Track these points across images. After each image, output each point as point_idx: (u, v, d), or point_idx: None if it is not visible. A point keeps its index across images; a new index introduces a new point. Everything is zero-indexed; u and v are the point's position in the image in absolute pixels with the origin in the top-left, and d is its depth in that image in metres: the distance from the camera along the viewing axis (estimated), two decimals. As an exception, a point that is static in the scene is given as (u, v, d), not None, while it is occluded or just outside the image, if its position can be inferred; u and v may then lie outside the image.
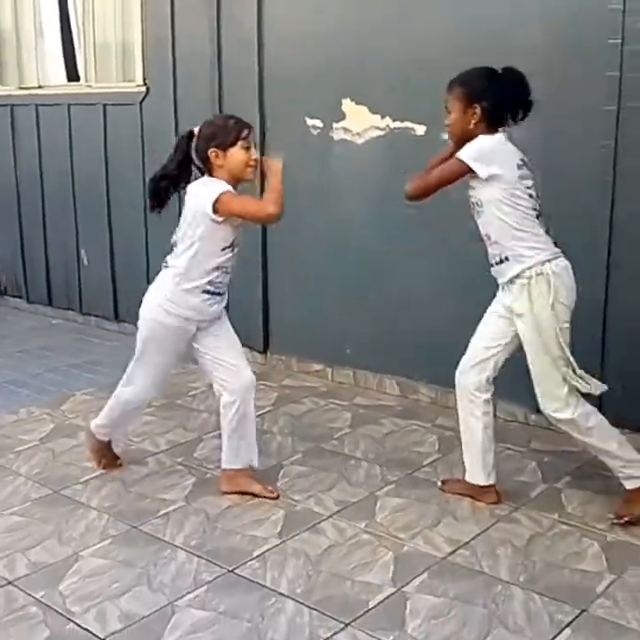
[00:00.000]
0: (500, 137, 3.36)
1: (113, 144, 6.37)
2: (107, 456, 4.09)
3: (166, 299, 3.64)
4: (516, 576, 3.14)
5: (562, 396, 3.41)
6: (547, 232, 3.39)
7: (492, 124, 3.36)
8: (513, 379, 4.50)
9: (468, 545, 3.37)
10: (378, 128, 4.89)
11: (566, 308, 3.37)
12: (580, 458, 4.13)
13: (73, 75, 6.81)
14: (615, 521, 3.49)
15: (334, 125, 5.09)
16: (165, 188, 3.64)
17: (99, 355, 6.01)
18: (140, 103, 6.11)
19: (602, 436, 3.46)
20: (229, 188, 3.52)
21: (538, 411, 4.49)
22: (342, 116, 5.04)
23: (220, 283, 3.68)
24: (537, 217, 3.37)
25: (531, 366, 3.46)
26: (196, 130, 3.61)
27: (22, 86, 7.01)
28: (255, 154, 3.61)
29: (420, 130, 4.69)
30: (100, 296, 6.67)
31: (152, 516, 3.60)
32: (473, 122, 3.35)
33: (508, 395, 4.54)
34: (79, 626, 2.85)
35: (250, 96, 5.38)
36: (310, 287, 5.39)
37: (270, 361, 5.69)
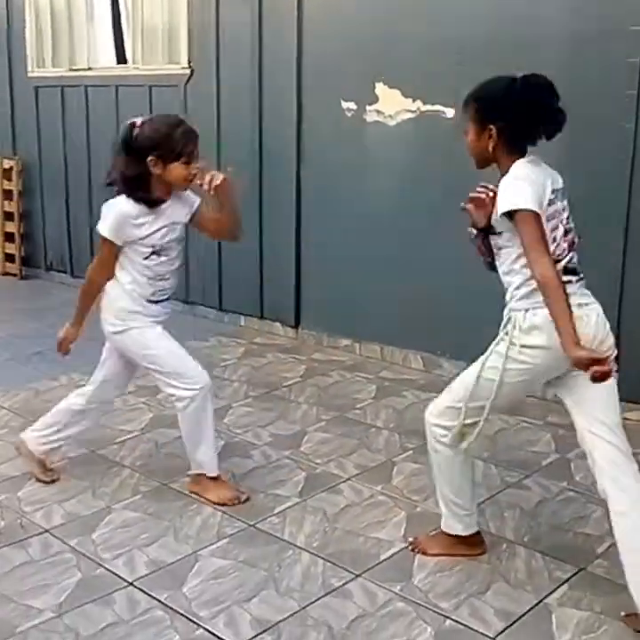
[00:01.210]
0: (519, 166, 2.77)
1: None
2: (224, 487, 3.66)
3: (121, 309, 3.51)
4: (520, 536, 3.32)
5: (444, 423, 3.05)
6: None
7: (514, 144, 2.79)
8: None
9: (478, 508, 3.49)
10: (409, 111, 5.06)
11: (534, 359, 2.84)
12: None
13: (121, 57, 7.03)
14: (410, 547, 3.24)
15: (368, 108, 5.26)
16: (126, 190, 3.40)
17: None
18: (185, 85, 6.31)
19: (443, 468, 3.10)
20: (113, 231, 3.37)
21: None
22: (375, 99, 5.21)
23: (164, 289, 3.53)
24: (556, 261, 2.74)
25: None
26: (138, 122, 3.34)
27: (73, 68, 7.26)
28: (195, 169, 3.34)
29: (450, 113, 4.85)
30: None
31: (181, 475, 3.81)
32: (491, 145, 2.79)
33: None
34: (109, 571, 3.08)
35: (288, 80, 5.56)
36: (341, 266, 5.57)
37: (301, 336, 5.89)
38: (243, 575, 3.05)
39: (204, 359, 5.22)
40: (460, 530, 3.15)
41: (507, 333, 2.88)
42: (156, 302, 3.53)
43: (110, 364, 3.73)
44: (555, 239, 2.76)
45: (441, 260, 5.02)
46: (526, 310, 2.81)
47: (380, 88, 5.19)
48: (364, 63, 5.23)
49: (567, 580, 3.02)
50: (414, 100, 5.03)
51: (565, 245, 2.80)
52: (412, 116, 5.06)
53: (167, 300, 3.59)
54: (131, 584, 2.99)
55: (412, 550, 3.23)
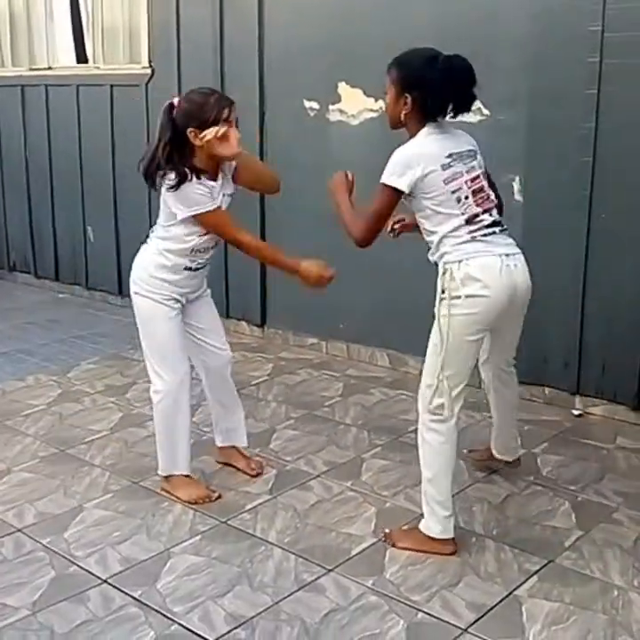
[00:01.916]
0: (421, 136, 3.03)
1: (119, 124, 6.57)
2: (194, 486, 3.68)
3: (149, 275, 3.51)
4: (489, 530, 3.37)
5: (422, 386, 3.16)
6: (480, 234, 3.06)
7: (424, 115, 3.02)
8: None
9: (446, 502, 3.59)
10: (372, 110, 5.09)
11: (472, 307, 3.02)
12: (559, 427, 4.37)
13: (82, 56, 7.00)
14: (383, 538, 3.30)
15: (330, 107, 5.29)
16: (154, 171, 3.41)
17: (103, 327, 6.25)
18: (146, 84, 6.30)
19: (428, 459, 3.17)
20: (217, 205, 3.41)
21: (519, 382, 4.76)
22: (338, 99, 5.24)
23: (202, 260, 3.58)
24: (468, 222, 3.03)
25: None
26: (176, 101, 3.40)
27: (33, 67, 7.21)
28: (236, 132, 3.39)
29: (412, 113, 4.88)
30: (105, 272, 6.89)
31: (151, 474, 3.81)
32: (403, 112, 3.02)
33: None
34: (82, 568, 3.09)
35: (250, 78, 5.57)
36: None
37: (267, 334, 5.91)
38: (216, 571, 3.08)
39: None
40: (437, 532, 3.18)
41: (444, 291, 3.04)
42: (192, 270, 3.56)
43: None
44: (459, 200, 3.01)
45: (406, 258, 5.05)
46: (459, 261, 3.02)
47: (343, 87, 5.22)
48: (327, 62, 5.26)
49: (536, 572, 3.07)
50: (377, 100, 5.06)
51: (473, 203, 3.04)
52: (375, 116, 5.09)
53: (202, 269, 3.61)
54: (104, 581, 3.00)
55: (384, 541, 3.27)
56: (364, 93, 5.10)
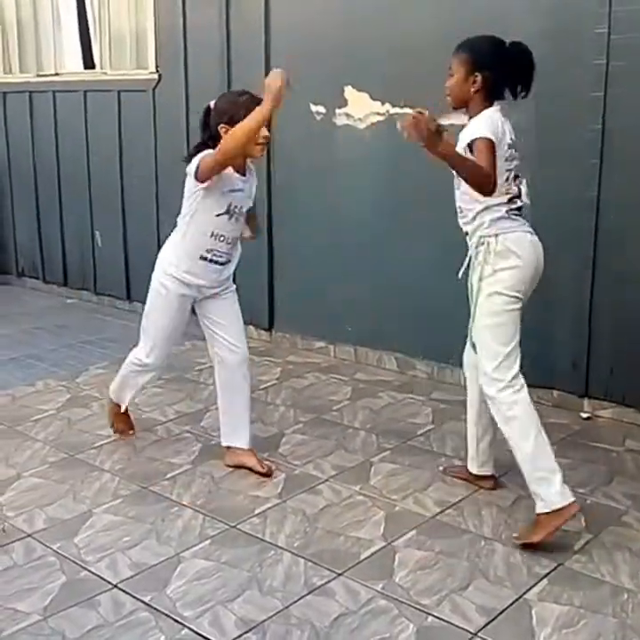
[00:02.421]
0: (492, 111, 3.26)
1: (126, 129, 6.59)
2: (121, 421, 4.29)
3: (168, 262, 3.79)
4: (498, 534, 3.37)
5: (488, 371, 3.30)
6: (512, 212, 3.30)
7: (490, 95, 3.27)
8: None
9: (455, 506, 3.59)
10: (378, 114, 5.11)
11: (507, 282, 3.27)
12: (567, 429, 4.37)
13: (89, 62, 7.04)
14: (516, 540, 3.30)
15: (337, 111, 5.30)
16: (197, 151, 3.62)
17: (111, 332, 6.26)
18: (153, 90, 6.33)
19: (521, 432, 3.28)
20: (208, 151, 3.54)
21: (528, 385, 4.76)
22: (344, 103, 5.25)
23: (219, 251, 3.75)
24: (507, 201, 3.27)
25: None
26: (212, 104, 3.66)
27: (40, 74, 7.25)
28: (265, 131, 3.56)
29: (419, 116, 4.89)
30: (113, 277, 6.91)
31: (161, 478, 3.84)
32: (472, 90, 3.25)
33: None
34: (92, 573, 3.09)
35: (257, 83, 5.53)
36: (313, 268, 5.61)
37: (275, 338, 5.92)
38: (226, 576, 3.08)
39: (181, 362, 5.33)
40: (559, 500, 3.19)
41: (484, 267, 3.28)
42: (209, 260, 3.75)
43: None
44: (507, 179, 3.25)
45: (414, 262, 5.08)
46: (496, 235, 3.26)
47: (349, 91, 5.23)
48: (333, 67, 5.27)
49: (546, 576, 3.07)
50: (383, 103, 5.08)
51: (514, 186, 3.30)
52: (381, 119, 5.11)
53: (222, 265, 3.80)
54: (115, 586, 3.01)
55: (522, 546, 3.24)
56: (371, 97, 5.11)
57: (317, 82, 5.35)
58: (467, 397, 3.70)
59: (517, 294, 3.30)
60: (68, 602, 2.91)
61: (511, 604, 2.90)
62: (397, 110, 4.98)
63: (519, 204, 3.33)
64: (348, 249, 5.42)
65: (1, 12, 7.44)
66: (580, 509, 3.29)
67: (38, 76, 7.26)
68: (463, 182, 3.21)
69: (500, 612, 2.86)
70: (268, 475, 3.85)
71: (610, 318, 4.43)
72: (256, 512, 3.54)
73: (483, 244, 3.29)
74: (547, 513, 3.21)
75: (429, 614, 2.85)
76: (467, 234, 3.38)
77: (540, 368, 4.64)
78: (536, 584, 3.02)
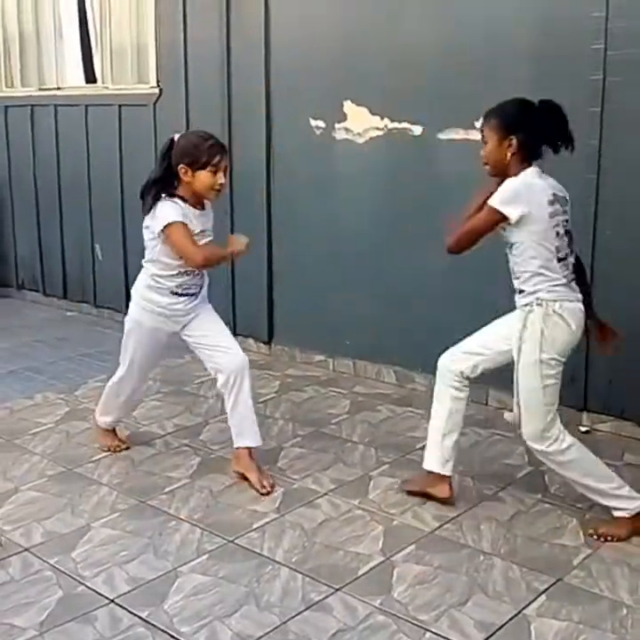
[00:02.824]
0: (528, 173, 3.26)
1: (127, 143, 6.61)
2: (109, 435, 4.33)
3: (141, 297, 3.92)
4: (497, 548, 3.36)
5: (539, 429, 3.35)
6: (569, 278, 3.34)
7: (527, 156, 3.28)
8: (504, 367, 4.73)
9: (454, 520, 3.58)
10: (377, 128, 5.12)
11: (557, 347, 3.32)
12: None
13: (90, 77, 7.05)
14: (593, 535, 3.44)
15: (336, 126, 5.31)
16: (156, 192, 3.74)
17: (110, 345, 6.19)
18: (154, 104, 6.35)
19: (581, 470, 3.41)
20: (181, 219, 3.65)
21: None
22: (344, 117, 5.26)
23: (188, 284, 3.87)
24: (559, 260, 3.28)
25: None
26: (176, 137, 3.74)
27: (42, 87, 7.27)
28: (222, 179, 3.69)
29: (417, 130, 4.92)
30: (112, 289, 6.91)
31: (159, 492, 3.83)
32: (508, 154, 3.26)
33: (499, 383, 4.77)
34: (89, 588, 3.08)
35: (257, 97, 5.60)
36: (313, 281, 5.61)
37: (274, 352, 5.92)
38: (223, 591, 3.07)
39: (179, 376, 5.33)
40: (635, 505, 3.40)
41: (535, 331, 3.31)
42: (181, 295, 3.87)
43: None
44: (558, 234, 3.26)
45: (412, 275, 5.09)
46: (554, 301, 3.28)
47: (349, 106, 5.25)
48: (333, 82, 5.29)
49: (545, 591, 3.06)
50: (382, 118, 5.09)
51: (565, 243, 3.30)
52: (380, 134, 5.12)
53: (193, 295, 3.91)
54: (112, 601, 3.00)
55: (602, 539, 3.43)
56: (370, 112, 5.12)
57: (317, 97, 5.37)
58: (434, 398, 3.69)
59: (564, 359, 3.37)
60: (65, 617, 2.90)
61: (510, 620, 2.89)
62: (396, 125, 4.99)
63: (572, 262, 3.36)
64: (347, 262, 5.43)
65: (3, 26, 7.47)
66: None
67: (40, 89, 7.28)
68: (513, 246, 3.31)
69: (499, 628, 2.85)
70: (265, 494, 3.82)
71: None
72: (254, 526, 3.53)
73: (540, 305, 3.30)
74: (628, 517, 3.41)
75: (428, 630, 2.84)
76: (521, 291, 3.36)
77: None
78: (535, 599, 3.01)
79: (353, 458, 4.23)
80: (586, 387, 4.53)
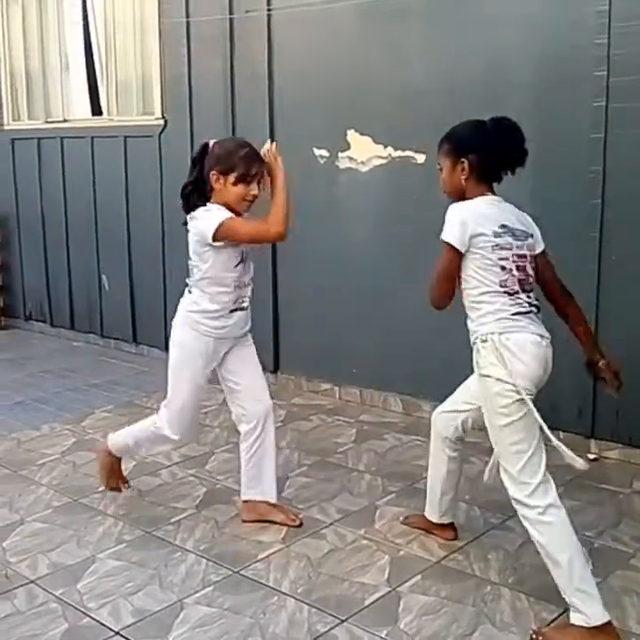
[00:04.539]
0: (477, 200, 3.08)
1: (133, 175, 6.66)
2: (116, 474, 4.08)
3: (195, 321, 3.58)
4: (505, 578, 3.33)
5: (513, 473, 3.00)
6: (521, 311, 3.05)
7: (482, 178, 3.11)
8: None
9: (461, 550, 3.56)
10: (381, 157, 5.15)
11: (514, 376, 2.98)
12: (574, 471, 4.30)
13: (96, 109, 7.11)
14: (534, 634, 2.95)
15: (340, 155, 5.35)
16: (190, 194, 3.53)
17: (118, 375, 6.28)
18: (159, 135, 6.40)
19: (555, 542, 2.94)
20: (230, 214, 3.44)
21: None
22: (347, 146, 5.30)
23: (245, 297, 3.66)
24: (507, 293, 3.03)
25: None
26: (211, 143, 3.55)
27: (48, 120, 7.34)
28: (255, 189, 3.50)
29: (420, 158, 4.96)
30: (119, 320, 6.93)
31: (164, 523, 3.82)
32: (463, 178, 3.10)
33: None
34: (94, 620, 3.07)
35: (261, 128, 5.63)
36: (318, 310, 5.62)
37: (280, 380, 5.92)
38: (228, 622, 3.05)
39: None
40: (600, 616, 2.84)
41: (485, 368, 3.04)
42: (239, 309, 3.64)
43: None
44: (503, 268, 3.01)
45: (417, 303, 5.04)
46: (500, 333, 3.00)
47: (352, 135, 5.29)
48: (336, 111, 5.34)
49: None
50: (385, 147, 5.13)
51: (516, 279, 3.03)
52: (384, 162, 5.15)
53: (246, 308, 3.69)
54: (117, 633, 2.98)
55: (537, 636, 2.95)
56: (373, 141, 5.16)
57: (321, 126, 5.41)
58: (430, 453, 3.63)
59: (525, 392, 3.00)
60: (70, 650, 2.90)
61: (517, 651, 2.88)
62: (400, 153, 5.01)
63: (526, 300, 3.06)
64: (352, 290, 5.44)
65: (10, 60, 7.55)
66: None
67: (46, 122, 7.35)
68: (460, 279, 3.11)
69: (506, 659, 2.84)
70: (299, 526, 3.77)
71: (615, 358, 4.40)
72: (259, 557, 3.52)
73: (485, 341, 3.04)
74: (586, 628, 2.85)
75: (434, 661, 2.82)
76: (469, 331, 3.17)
77: (545, 408, 4.60)
78: (542, 629, 2.99)
79: (359, 487, 4.22)
80: (594, 414, 4.52)
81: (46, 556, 3.53)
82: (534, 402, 3.03)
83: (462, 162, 3.09)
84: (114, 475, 4.07)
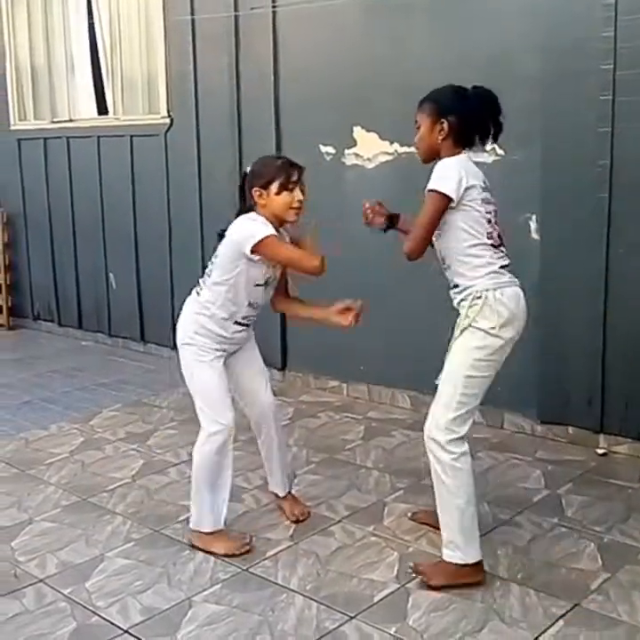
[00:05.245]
0: (461, 157, 3.19)
1: (139, 173, 6.66)
2: (223, 539, 3.60)
3: (201, 325, 3.53)
4: (514, 574, 3.32)
5: (447, 418, 3.18)
6: (505, 264, 3.21)
7: (458, 141, 3.20)
8: (520, 390, 4.72)
9: (470, 546, 3.55)
10: (387, 153, 5.14)
11: (502, 338, 3.15)
12: (583, 466, 4.32)
13: (102, 108, 7.12)
14: (412, 568, 3.31)
15: (346, 151, 5.35)
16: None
17: (126, 374, 6.28)
18: (165, 134, 6.40)
19: (458, 486, 3.19)
20: (274, 231, 3.38)
21: (542, 422, 4.72)
22: (353, 143, 5.30)
23: (251, 316, 3.60)
24: (492, 245, 3.17)
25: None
26: (248, 169, 3.53)
27: (54, 120, 7.34)
28: (300, 195, 3.45)
29: (427, 155, 4.91)
30: (127, 319, 6.94)
31: (173, 521, 3.82)
32: (440, 138, 3.19)
33: (515, 406, 4.75)
34: (103, 618, 3.07)
35: (267, 126, 5.63)
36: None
37: (288, 378, 5.92)
38: (237, 620, 3.05)
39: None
40: (474, 556, 3.21)
41: (472, 320, 3.16)
42: (241, 324, 3.58)
43: None
44: (489, 221, 3.17)
45: (425, 300, 5.07)
46: (494, 289, 3.15)
47: (358, 132, 5.28)
48: (342, 108, 5.32)
49: (562, 616, 3.02)
50: (392, 143, 5.11)
51: (496, 233, 3.19)
52: (390, 159, 5.14)
53: (248, 326, 3.63)
54: (126, 631, 2.98)
55: (413, 574, 3.27)
56: (380, 137, 5.15)
57: (326, 123, 5.40)
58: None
59: (504, 354, 3.20)
60: (79, 648, 2.90)
61: (527, 646, 2.87)
62: (406, 149, 5.00)
63: (504, 251, 3.21)
64: (359, 286, 5.41)
65: (15, 61, 7.56)
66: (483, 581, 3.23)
67: (52, 122, 7.35)
68: (442, 234, 3.21)
69: (516, 655, 2.82)
70: (296, 522, 3.80)
71: (624, 353, 4.39)
72: (268, 555, 3.51)
73: (477, 298, 3.15)
74: (458, 565, 3.20)
75: (443, 657, 2.82)
76: (456, 286, 3.26)
77: (554, 405, 4.62)
78: (552, 625, 2.98)
79: (367, 484, 4.21)
80: (602, 409, 4.50)
81: (55, 555, 3.53)
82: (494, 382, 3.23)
83: (442, 122, 3.19)
84: (225, 542, 3.58)
